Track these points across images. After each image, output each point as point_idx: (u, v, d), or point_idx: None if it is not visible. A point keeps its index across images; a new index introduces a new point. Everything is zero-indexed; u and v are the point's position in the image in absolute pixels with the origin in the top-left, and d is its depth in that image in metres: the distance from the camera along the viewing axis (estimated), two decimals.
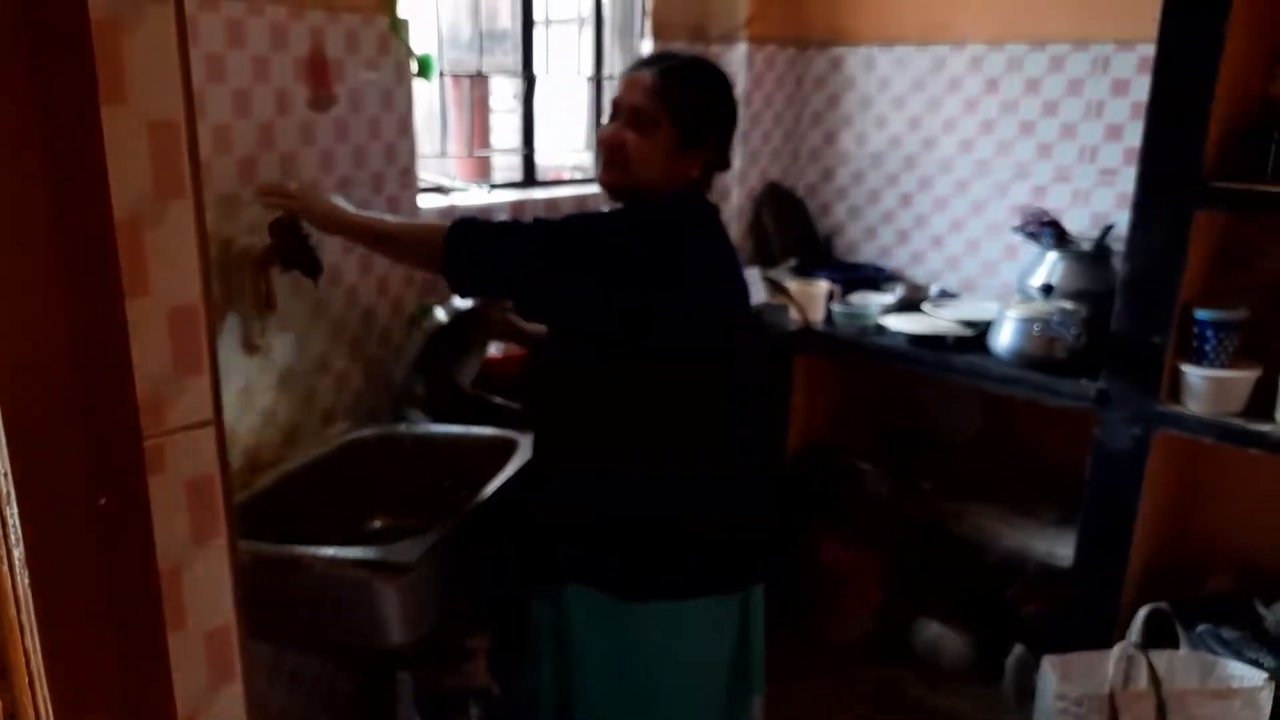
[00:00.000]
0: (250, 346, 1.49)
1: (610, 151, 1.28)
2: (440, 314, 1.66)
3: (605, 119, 1.33)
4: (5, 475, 0.52)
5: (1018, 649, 1.93)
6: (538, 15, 2.27)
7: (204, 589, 0.67)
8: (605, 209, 1.38)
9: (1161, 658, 1.62)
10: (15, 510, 0.53)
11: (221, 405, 0.66)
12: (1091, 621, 1.83)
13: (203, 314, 0.63)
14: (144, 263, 0.59)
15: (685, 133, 1.26)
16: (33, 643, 0.55)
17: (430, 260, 1.30)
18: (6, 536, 0.54)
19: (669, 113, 1.25)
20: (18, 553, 0.54)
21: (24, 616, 0.55)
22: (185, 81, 0.59)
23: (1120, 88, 2.10)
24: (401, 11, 1.80)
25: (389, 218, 1.50)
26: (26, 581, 0.54)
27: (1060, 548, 1.97)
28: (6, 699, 0.56)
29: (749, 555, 1.39)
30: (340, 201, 1.40)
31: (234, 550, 0.69)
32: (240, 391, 1.51)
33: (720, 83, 1.32)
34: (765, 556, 1.42)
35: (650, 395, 1.27)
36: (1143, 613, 1.64)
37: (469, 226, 1.28)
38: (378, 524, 1.66)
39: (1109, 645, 1.66)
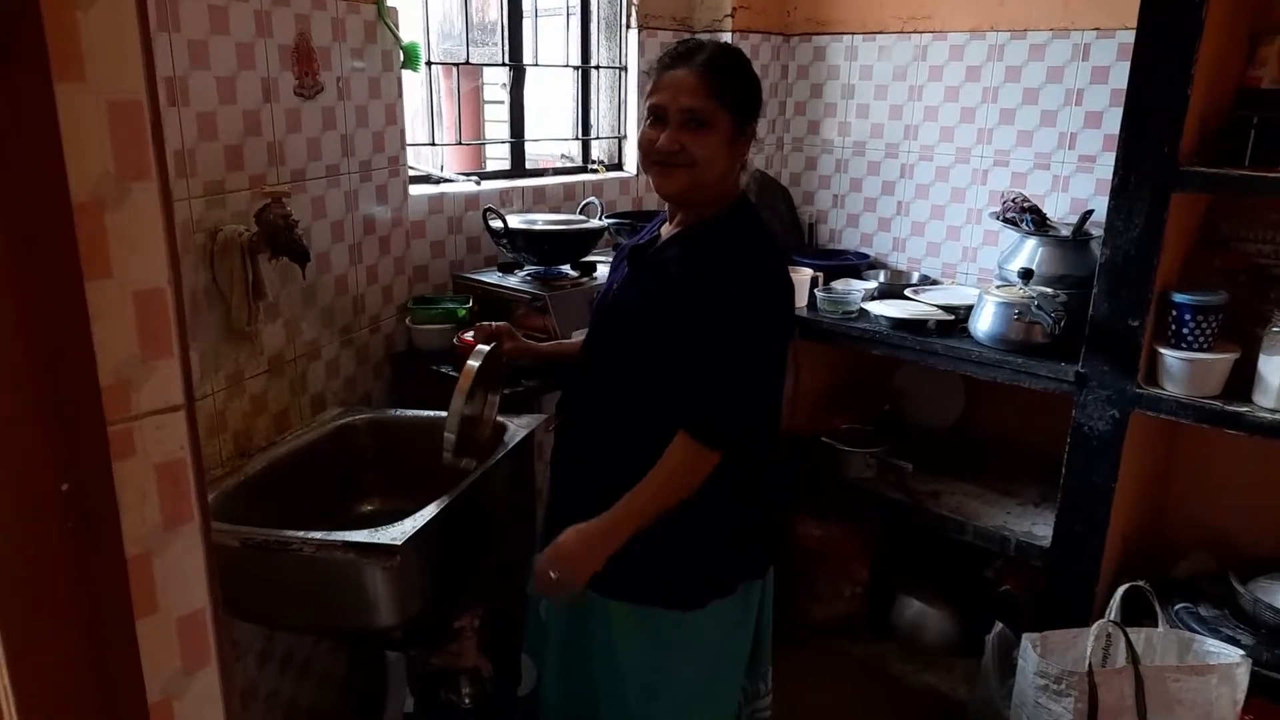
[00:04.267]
0: (240, 333, 1.48)
1: (669, 156, 1.24)
2: (473, 362, 1.38)
3: (645, 124, 1.27)
4: None
5: (998, 627, 1.95)
6: (526, 7, 2.26)
7: (176, 574, 0.66)
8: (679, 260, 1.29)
9: (1140, 635, 1.64)
10: None
11: (193, 389, 0.66)
12: (1070, 599, 1.85)
13: (170, 297, 0.62)
14: (105, 245, 0.58)
15: (737, 121, 1.27)
16: None
17: (700, 472, 1.23)
18: None
19: (722, 106, 1.24)
20: None
21: None
22: (147, 58, 0.58)
23: (1100, 75, 2.11)
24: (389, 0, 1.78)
25: (639, 491, 1.23)
26: None
27: (1039, 527, 1.99)
28: None
29: (774, 536, 1.45)
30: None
31: (207, 535, 0.68)
32: (231, 377, 1.50)
33: (746, 61, 1.32)
34: (780, 534, 1.48)
35: None
36: (1121, 591, 1.65)
37: (709, 423, 1.22)
38: (368, 508, 1.67)
39: (1087, 623, 1.67)
